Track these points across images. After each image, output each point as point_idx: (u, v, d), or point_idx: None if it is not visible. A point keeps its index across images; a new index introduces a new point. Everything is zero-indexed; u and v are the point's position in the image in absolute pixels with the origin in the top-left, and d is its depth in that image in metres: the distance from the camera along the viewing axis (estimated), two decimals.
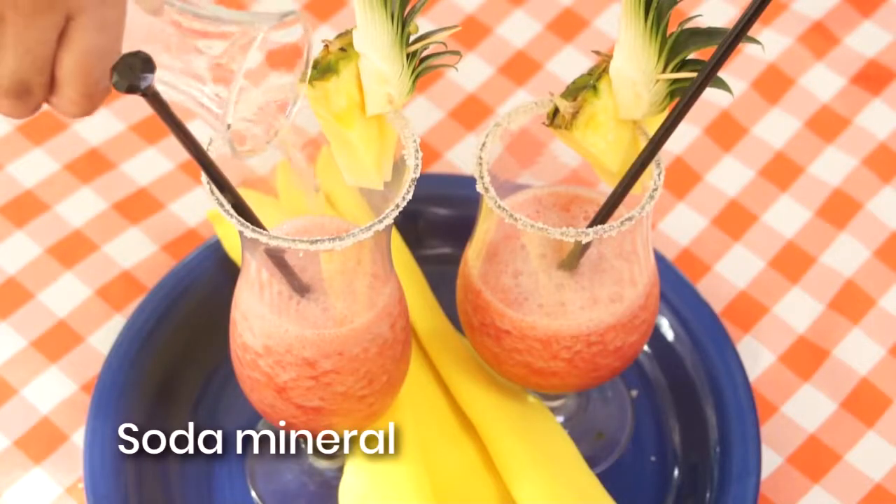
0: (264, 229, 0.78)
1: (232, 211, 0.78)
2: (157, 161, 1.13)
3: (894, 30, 1.21)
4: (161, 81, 0.75)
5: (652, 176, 0.84)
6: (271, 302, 0.83)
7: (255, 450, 0.98)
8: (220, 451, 0.98)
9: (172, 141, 1.13)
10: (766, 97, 1.17)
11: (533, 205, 0.91)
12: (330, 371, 0.83)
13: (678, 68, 0.82)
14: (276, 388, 0.85)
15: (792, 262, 1.09)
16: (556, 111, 0.84)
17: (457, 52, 0.81)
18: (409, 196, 0.79)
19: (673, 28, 0.82)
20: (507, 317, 0.88)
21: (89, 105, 0.74)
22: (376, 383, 0.86)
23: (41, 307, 1.05)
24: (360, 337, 0.83)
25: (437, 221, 1.06)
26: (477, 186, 0.84)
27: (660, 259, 1.02)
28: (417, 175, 0.79)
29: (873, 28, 1.21)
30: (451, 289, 0.95)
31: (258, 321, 0.83)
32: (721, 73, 0.80)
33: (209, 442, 0.99)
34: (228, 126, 0.76)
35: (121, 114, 1.15)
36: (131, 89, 0.67)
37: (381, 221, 0.78)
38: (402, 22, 0.79)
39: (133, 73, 0.67)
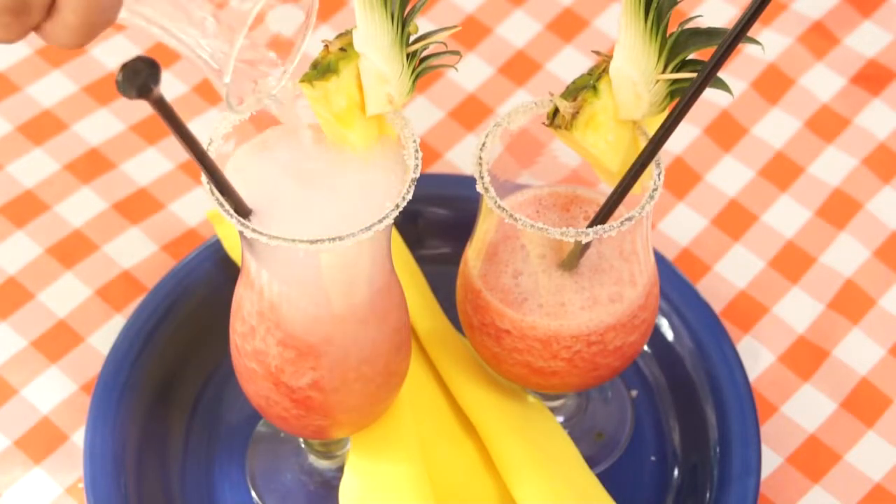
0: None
1: (232, 211, 0.78)
2: (157, 161, 1.13)
3: (894, 30, 1.21)
4: (158, 26, 0.74)
5: (652, 176, 0.84)
6: (271, 301, 0.83)
7: (255, 450, 0.98)
8: (220, 452, 0.99)
9: (172, 141, 1.13)
10: (766, 97, 1.17)
11: (533, 205, 0.91)
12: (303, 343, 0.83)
13: (678, 68, 0.82)
14: (273, 379, 0.84)
15: (792, 262, 1.09)
16: (556, 111, 0.84)
17: (457, 52, 0.81)
18: (409, 196, 0.79)
19: (673, 28, 0.82)
20: (507, 317, 0.88)
21: (86, 34, 0.70)
22: (361, 380, 0.86)
23: (41, 307, 1.05)
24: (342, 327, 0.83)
25: (437, 221, 1.06)
26: (477, 186, 0.84)
27: (660, 259, 1.02)
28: (417, 175, 0.79)
29: (873, 28, 1.21)
30: (451, 289, 0.95)
31: (255, 308, 0.83)
32: (721, 73, 0.80)
33: (209, 442, 0.99)
34: (226, 83, 0.75)
35: (121, 114, 1.15)
36: (137, 95, 0.67)
37: (381, 221, 0.78)
38: (402, 22, 0.79)
39: (139, 78, 0.67)
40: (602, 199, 0.85)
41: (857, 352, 1.05)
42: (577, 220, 0.91)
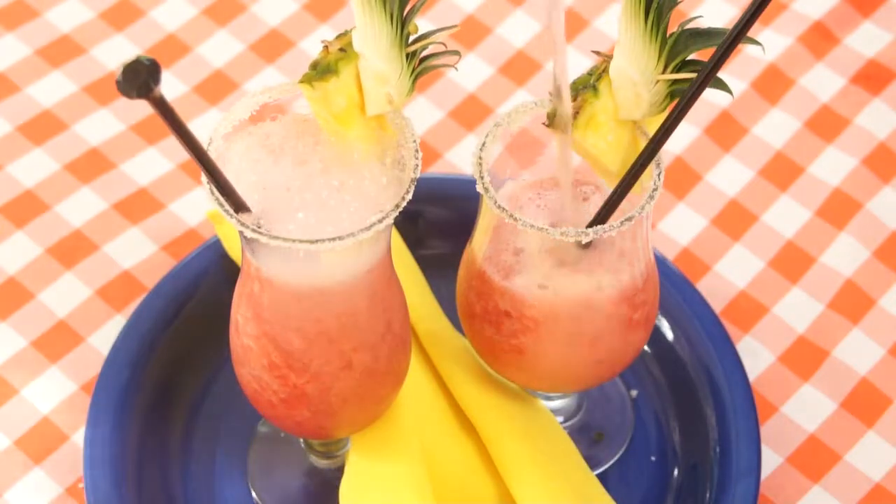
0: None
1: (232, 211, 0.78)
2: (157, 161, 1.13)
3: (894, 30, 1.21)
4: None
5: (652, 176, 0.84)
6: (270, 299, 0.83)
7: (255, 450, 0.98)
8: (220, 452, 0.99)
9: (172, 141, 1.13)
10: (766, 97, 1.17)
11: (535, 188, 0.90)
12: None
13: (678, 69, 0.82)
14: (268, 360, 0.84)
15: (792, 262, 1.09)
16: (556, 111, 0.84)
17: (457, 52, 0.81)
18: (409, 196, 0.79)
19: (673, 28, 0.82)
20: (507, 294, 0.87)
21: None
22: (358, 379, 0.86)
23: (41, 307, 1.05)
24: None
25: (437, 221, 1.06)
26: (477, 186, 0.84)
27: (660, 259, 1.02)
28: (417, 175, 0.79)
29: (873, 28, 1.21)
30: (451, 289, 0.95)
31: (255, 305, 0.83)
32: (721, 73, 0.80)
33: (209, 442, 0.99)
34: None
35: (121, 114, 1.15)
36: (137, 95, 0.67)
37: (381, 221, 0.78)
38: (402, 22, 0.79)
39: (139, 78, 0.67)
40: (602, 183, 0.85)
41: (857, 352, 1.05)
42: (578, 201, 0.90)
